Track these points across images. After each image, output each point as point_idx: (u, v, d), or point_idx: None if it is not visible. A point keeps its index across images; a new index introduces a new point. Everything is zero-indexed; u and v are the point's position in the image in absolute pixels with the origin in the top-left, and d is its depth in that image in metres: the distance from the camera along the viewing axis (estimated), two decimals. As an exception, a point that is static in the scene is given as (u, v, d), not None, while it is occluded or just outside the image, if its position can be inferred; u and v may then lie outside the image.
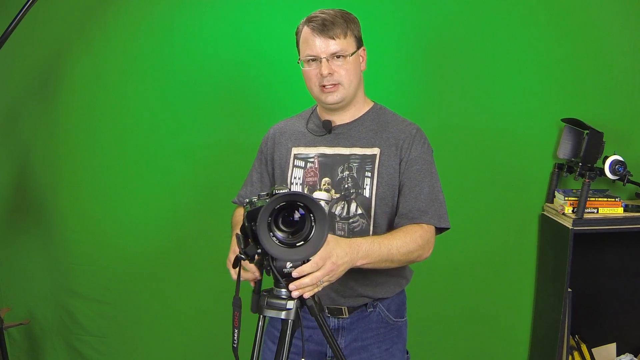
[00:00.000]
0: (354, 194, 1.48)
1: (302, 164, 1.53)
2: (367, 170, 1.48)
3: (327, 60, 1.43)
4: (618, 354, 2.51)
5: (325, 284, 1.26)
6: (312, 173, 1.52)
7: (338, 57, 1.44)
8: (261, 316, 1.28)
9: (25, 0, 1.98)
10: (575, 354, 2.45)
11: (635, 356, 2.49)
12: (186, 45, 2.37)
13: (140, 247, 2.49)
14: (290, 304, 1.24)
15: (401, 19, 2.35)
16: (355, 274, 1.41)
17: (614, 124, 2.37)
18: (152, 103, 2.41)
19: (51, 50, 2.39)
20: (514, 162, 2.43)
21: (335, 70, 1.44)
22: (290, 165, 1.54)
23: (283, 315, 1.24)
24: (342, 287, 1.46)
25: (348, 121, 1.54)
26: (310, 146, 1.54)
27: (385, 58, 2.33)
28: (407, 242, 1.39)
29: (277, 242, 1.15)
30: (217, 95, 2.39)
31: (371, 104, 1.58)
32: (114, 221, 2.48)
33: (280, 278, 1.23)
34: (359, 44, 1.50)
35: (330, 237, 1.24)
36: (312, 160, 1.53)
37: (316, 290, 1.25)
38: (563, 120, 2.35)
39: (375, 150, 1.49)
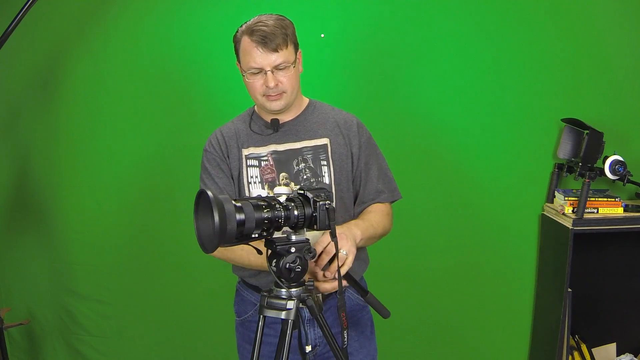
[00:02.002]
0: (315, 183, 1.56)
1: (256, 162, 1.57)
2: (322, 160, 1.57)
3: (272, 72, 1.48)
4: (618, 354, 2.51)
5: (351, 257, 1.35)
6: (268, 170, 1.57)
7: (281, 67, 1.48)
8: (261, 316, 1.28)
9: (25, 0, 1.98)
10: (575, 354, 2.45)
11: (635, 356, 2.49)
12: (186, 45, 2.37)
13: (140, 247, 2.50)
14: (290, 304, 1.24)
15: (400, 18, 2.35)
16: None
17: (614, 124, 2.37)
18: (152, 103, 2.41)
19: (51, 50, 2.39)
20: (514, 162, 2.43)
21: (280, 80, 1.49)
22: (244, 165, 1.58)
23: (283, 315, 1.24)
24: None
25: (291, 118, 1.61)
26: (260, 146, 1.58)
27: (383, 57, 2.34)
28: (382, 218, 1.57)
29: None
30: (217, 96, 2.39)
31: (307, 100, 1.66)
32: (114, 221, 2.48)
33: (279, 279, 1.24)
34: (296, 47, 1.55)
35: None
36: (265, 158, 1.57)
37: (346, 266, 1.33)
38: (563, 120, 2.35)
39: (325, 140, 1.59)
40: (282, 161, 1.57)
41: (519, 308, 2.53)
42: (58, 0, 2.34)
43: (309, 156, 1.57)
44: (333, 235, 1.25)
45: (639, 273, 2.47)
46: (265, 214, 1.18)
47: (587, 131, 2.26)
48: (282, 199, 1.24)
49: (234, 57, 2.44)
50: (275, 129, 1.58)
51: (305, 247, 1.23)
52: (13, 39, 2.07)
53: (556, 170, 2.40)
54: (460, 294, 2.51)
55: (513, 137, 2.41)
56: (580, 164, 2.26)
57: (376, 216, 1.57)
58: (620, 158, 2.25)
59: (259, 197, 1.23)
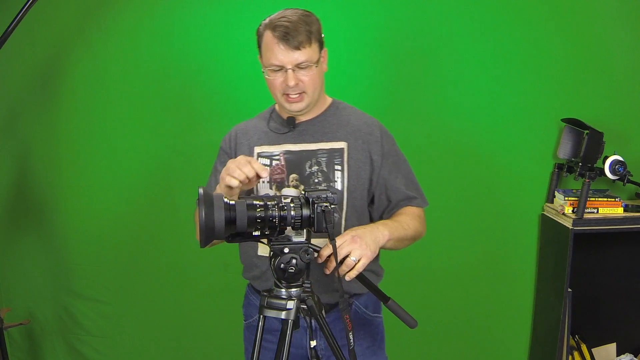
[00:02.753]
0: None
1: (267, 161, 1.52)
2: (337, 164, 1.49)
3: (293, 70, 1.41)
4: (618, 354, 2.51)
5: (364, 260, 1.30)
6: (278, 170, 1.51)
7: (304, 66, 1.42)
8: (261, 316, 1.28)
9: (25, 0, 1.98)
10: (575, 354, 2.45)
11: (635, 356, 2.49)
12: (186, 45, 2.37)
13: (140, 247, 2.50)
14: (290, 304, 1.24)
15: (400, 18, 2.35)
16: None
17: (614, 124, 2.37)
18: (152, 103, 2.41)
19: (51, 50, 2.39)
20: (514, 162, 2.43)
21: (301, 79, 1.43)
22: None
23: (283, 315, 1.24)
24: (316, 282, 1.44)
25: (310, 118, 1.55)
26: (274, 144, 1.53)
27: (384, 56, 2.34)
28: (413, 220, 1.50)
29: None
30: (217, 95, 2.39)
31: (330, 100, 1.59)
32: (114, 221, 2.48)
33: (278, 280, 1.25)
34: (321, 46, 1.48)
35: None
36: (277, 157, 1.51)
37: (356, 270, 1.29)
38: (563, 120, 2.35)
39: (342, 144, 1.51)
40: (295, 162, 1.51)
41: (519, 308, 2.53)
42: (58, 0, 2.34)
43: (323, 159, 1.50)
44: (331, 238, 1.23)
45: (639, 273, 2.47)
46: (258, 213, 1.19)
47: (587, 131, 2.26)
48: (288, 199, 1.24)
49: (234, 57, 2.45)
50: (291, 128, 1.53)
51: (303, 249, 1.23)
52: (13, 39, 2.07)
53: (556, 170, 2.40)
54: (460, 293, 2.51)
55: (513, 137, 2.41)
56: (580, 164, 2.26)
57: (407, 218, 1.50)
58: (620, 158, 2.25)
59: (261, 196, 1.23)
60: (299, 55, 1.40)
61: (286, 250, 1.23)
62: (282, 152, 1.52)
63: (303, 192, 1.25)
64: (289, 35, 1.38)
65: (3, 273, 2.55)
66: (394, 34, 2.36)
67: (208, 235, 1.16)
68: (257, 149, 1.54)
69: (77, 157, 2.45)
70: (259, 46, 1.47)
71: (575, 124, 2.31)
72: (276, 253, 1.23)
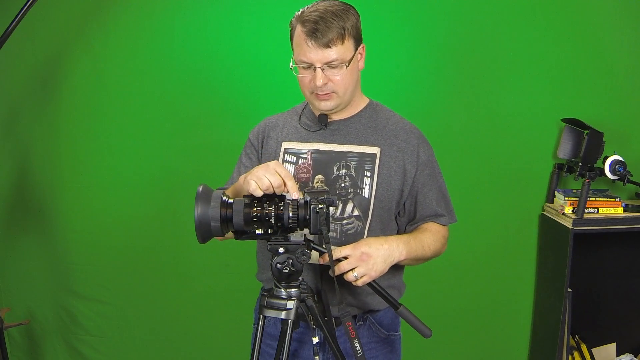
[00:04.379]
0: (352, 194, 1.40)
1: (293, 159, 1.44)
2: (367, 170, 1.40)
3: (322, 69, 1.32)
4: (618, 354, 2.51)
5: (365, 279, 1.27)
6: (304, 169, 1.43)
7: (334, 65, 1.32)
8: (261, 316, 1.28)
9: (25, 0, 1.98)
10: (575, 354, 2.45)
11: (635, 356, 2.49)
12: (186, 45, 2.37)
13: (140, 247, 2.49)
14: (290, 304, 1.24)
15: (401, 17, 2.35)
16: (346, 282, 1.36)
17: (614, 124, 2.37)
18: (152, 103, 2.41)
19: (51, 50, 2.39)
20: (514, 162, 2.43)
21: (331, 79, 1.34)
22: (280, 159, 1.45)
23: (283, 315, 1.25)
24: (331, 294, 1.39)
25: (343, 117, 1.46)
26: (303, 141, 1.45)
27: (384, 56, 2.33)
28: (435, 240, 1.43)
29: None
30: (217, 95, 2.39)
31: (367, 101, 1.51)
32: (114, 221, 2.48)
33: (278, 280, 1.25)
34: (358, 42, 1.37)
35: (365, 238, 1.31)
36: (304, 156, 1.43)
37: (359, 283, 1.27)
38: (563, 120, 2.35)
39: (375, 150, 1.42)
40: (323, 162, 1.41)
41: (519, 308, 2.53)
42: (58, 0, 2.34)
43: (353, 163, 1.40)
44: (327, 241, 1.20)
45: (639, 273, 2.47)
46: (254, 212, 1.19)
47: (587, 131, 2.26)
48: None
49: (234, 57, 2.45)
50: (322, 126, 1.44)
51: (300, 250, 1.22)
52: (13, 39, 2.06)
53: (556, 170, 2.40)
54: (460, 293, 2.51)
55: (513, 137, 2.41)
56: (580, 164, 2.26)
57: (430, 237, 1.42)
58: (620, 158, 2.25)
59: (263, 196, 1.22)
60: (329, 54, 1.30)
61: (281, 250, 1.22)
62: (310, 151, 1.43)
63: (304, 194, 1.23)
64: (318, 32, 1.28)
65: (3, 273, 2.54)
66: (392, 33, 2.36)
67: (203, 232, 1.18)
68: (284, 145, 1.46)
69: (77, 157, 2.45)
70: (291, 39, 1.38)
71: (575, 124, 2.31)
72: (271, 252, 1.23)
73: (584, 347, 2.45)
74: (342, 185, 1.40)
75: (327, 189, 1.28)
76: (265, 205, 1.20)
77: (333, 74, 1.33)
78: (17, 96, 2.43)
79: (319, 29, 1.28)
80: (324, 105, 1.38)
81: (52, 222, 2.50)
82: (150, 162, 2.44)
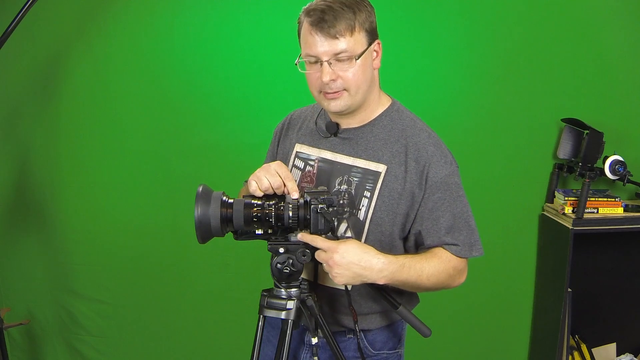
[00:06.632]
0: (347, 214, 1.30)
1: (301, 164, 1.38)
2: (367, 190, 1.29)
3: (329, 63, 1.20)
4: (618, 354, 2.51)
5: (334, 280, 1.20)
6: (308, 178, 1.36)
7: (343, 59, 1.21)
8: (261, 316, 1.28)
9: (25, 0, 1.98)
10: (575, 354, 2.45)
11: (635, 356, 2.49)
12: (186, 45, 2.37)
13: (140, 247, 2.49)
14: (290, 304, 1.25)
15: (399, 17, 2.35)
16: (337, 300, 1.33)
17: (614, 124, 2.37)
18: (152, 103, 2.41)
19: (51, 50, 2.39)
20: (514, 162, 2.43)
21: (340, 74, 1.21)
22: (290, 163, 1.41)
23: (283, 315, 1.25)
24: (326, 303, 1.35)
25: (357, 125, 1.33)
26: (313, 146, 1.37)
27: (383, 56, 2.33)
28: (440, 271, 1.27)
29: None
30: (217, 95, 2.39)
31: (387, 104, 1.35)
32: (114, 221, 2.48)
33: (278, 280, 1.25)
34: (372, 37, 1.25)
35: (354, 242, 1.21)
36: (312, 163, 1.36)
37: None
38: (563, 120, 2.35)
39: (381, 168, 1.29)
40: (327, 173, 1.33)
41: (519, 308, 2.53)
42: (58, 0, 2.34)
43: (355, 179, 1.30)
44: (333, 234, 1.20)
45: (639, 273, 2.47)
46: (254, 212, 1.19)
47: (587, 131, 2.26)
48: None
49: (234, 57, 2.45)
50: (332, 133, 1.33)
51: (300, 250, 1.22)
52: (13, 39, 2.06)
53: (556, 170, 2.40)
54: (460, 293, 2.49)
55: (513, 137, 2.41)
56: (580, 164, 2.26)
57: (435, 267, 1.26)
58: (620, 158, 2.25)
59: (264, 196, 1.22)
60: (337, 45, 1.18)
61: (281, 250, 1.23)
62: (318, 159, 1.35)
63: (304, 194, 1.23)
64: (324, 22, 1.17)
65: (3, 273, 2.54)
66: (393, 33, 2.36)
67: (203, 232, 1.19)
68: (297, 147, 1.40)
69: (77, 158, 2.45)
70: (299, 36, 1.27)
71: (575, 124, 2.31)
72: (271, 252, 1.24)
73: (583, 347, 2.45)
74: (340, 202, 1.30)
75: (326, 188, 1.24)
76: (266, 205, 1.20)
77: (342, 68, 1.21)
78: (17, 96, 2.43)
79: (325, 18, 1.17)
80: (334, 106, 1.26)
81: (52, 222, 2.50)
82: (150, 162, 2.44)
